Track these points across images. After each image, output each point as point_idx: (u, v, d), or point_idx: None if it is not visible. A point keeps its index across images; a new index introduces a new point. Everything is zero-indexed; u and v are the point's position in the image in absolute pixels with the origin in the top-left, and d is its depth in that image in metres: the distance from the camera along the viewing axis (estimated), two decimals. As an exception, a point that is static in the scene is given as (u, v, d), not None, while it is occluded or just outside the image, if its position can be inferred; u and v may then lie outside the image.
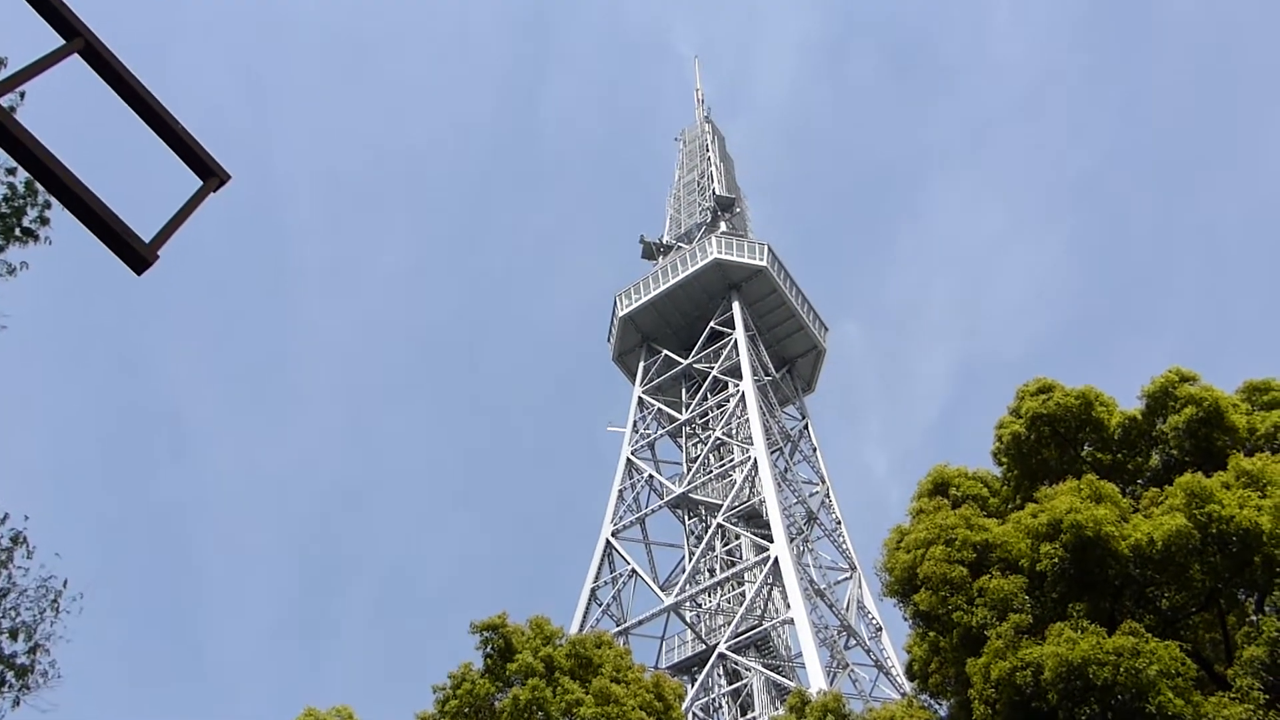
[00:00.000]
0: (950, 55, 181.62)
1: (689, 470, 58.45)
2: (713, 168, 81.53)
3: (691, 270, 66.41)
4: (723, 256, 65.98)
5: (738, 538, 54.19)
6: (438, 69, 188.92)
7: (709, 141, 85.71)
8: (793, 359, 68.67)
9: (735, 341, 62.71)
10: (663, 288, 66.83)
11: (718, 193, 77.30)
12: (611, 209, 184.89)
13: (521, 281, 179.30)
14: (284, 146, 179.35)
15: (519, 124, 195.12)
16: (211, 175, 5.66)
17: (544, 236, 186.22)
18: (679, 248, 73.12)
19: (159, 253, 5.33)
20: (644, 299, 67.12)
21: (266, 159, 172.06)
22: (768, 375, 63.69)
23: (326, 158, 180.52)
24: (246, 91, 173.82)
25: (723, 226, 73.80)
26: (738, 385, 60.64)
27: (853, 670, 47.99)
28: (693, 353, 65.18)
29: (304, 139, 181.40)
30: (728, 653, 46.03)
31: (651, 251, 74.49)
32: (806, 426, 64.53)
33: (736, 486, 53.84)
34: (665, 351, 66.22)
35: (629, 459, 60.00)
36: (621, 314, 67.46)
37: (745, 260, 66.10)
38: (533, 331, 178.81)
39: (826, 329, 69.65)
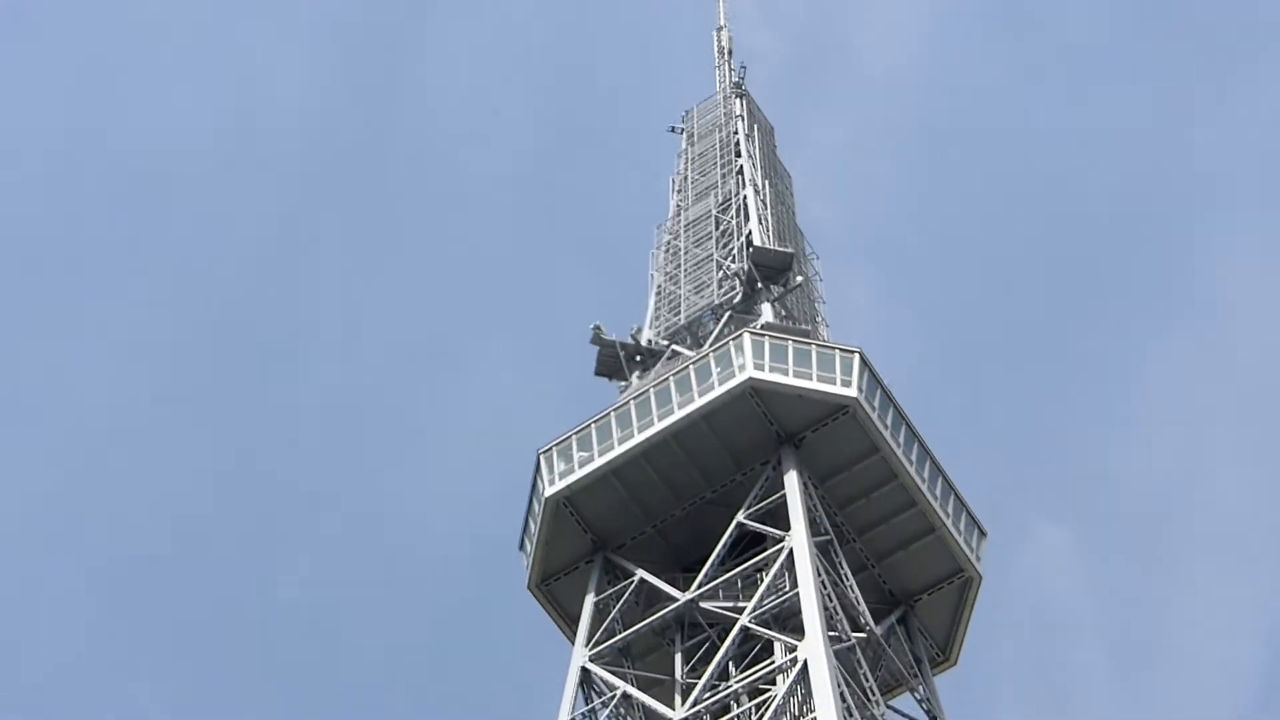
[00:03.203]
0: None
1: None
2: (747, 192, 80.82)
3: (700, 404, 64.01)
4: (764, 376, 63.40)
5: None
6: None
7: (740, 137, 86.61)
8: (911, 596, 66.29)
9: (790, 555, 59.15)
10: (636, 440, 64.53)
11: (757, 244, 76.33)
12: (539, 271, 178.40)
13: (355, 425, 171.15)
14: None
15: (371, 108, 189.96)
16: None
17: (402, 329, 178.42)
18: (673, 354, 72.29)
19: None
20: (597, 463, 64.81)
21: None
22: (857, 630, 60.08)
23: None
24: None
25: (767, 314, 72.06)
26: (794, 649, 56.12)
27: None
28: (699, 579, 61.78)
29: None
30: None
31: (616, 361, 73.62)
32: (940, 739, 63.68)
33: None
34: (641, 573, 63.41)
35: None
36: (549, 493, 64.96)
37: (812, 386, 63.72)
38: (373, 526, 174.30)
39: (984, 534, 67.24)
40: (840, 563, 61.58)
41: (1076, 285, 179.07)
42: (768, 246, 75.82)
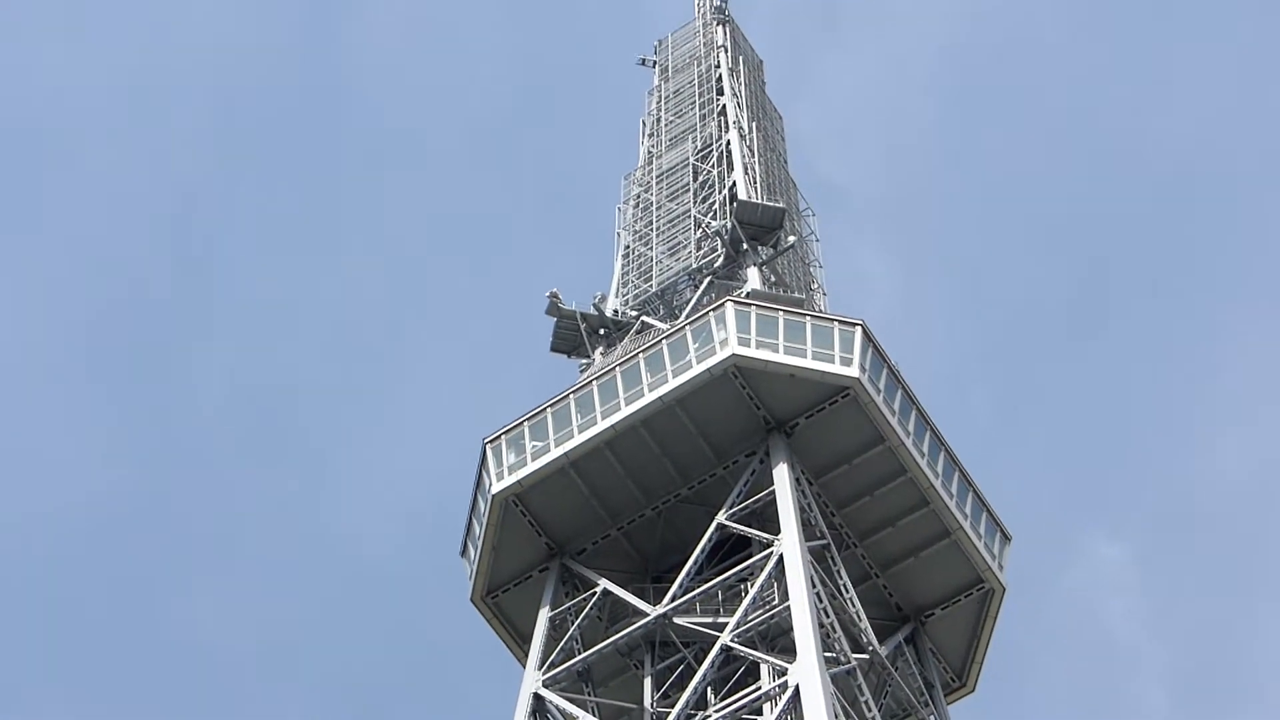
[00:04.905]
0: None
1: None
2: (730, 136, 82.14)
3: (674, 385, 64.25)
4: (749, 353, 63.64)
5: None
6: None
7: (723, 72, 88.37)
8: (922, 611, 66.64)
9: (779, 563, 59.54)
10: (600, 428, 64.87)
11: (742, 197, 77.06)
12: (486, 230, 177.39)
13: (271, 414, 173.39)
14: None
15: (292, 40, 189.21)
16: None
17: (327, 303, 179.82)
18: (643, 327, 73.64)
19: None
20: (553, 454, 65.12)
21: None
22: (858, 651, 60.57)
23: None
24: None
25: (753, 280, 72.77)
26: (784, 673, 56.19)
27: None
28: (673, 591, 61.82)
29: None
30: None
31: (576, 335, 74.56)
32: (955, 779, 63.71)
33: None
34: (604, 583, 63.84)
35: None
36: (497, 489, 65.16)
37: (806, 364, 63.80)
38: (291, 530, 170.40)
39: (1008, 539, 67.37)
40: (839, 572, 61.32)
41: (1141, 256, 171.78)
42: (754, 201, 76.33)
